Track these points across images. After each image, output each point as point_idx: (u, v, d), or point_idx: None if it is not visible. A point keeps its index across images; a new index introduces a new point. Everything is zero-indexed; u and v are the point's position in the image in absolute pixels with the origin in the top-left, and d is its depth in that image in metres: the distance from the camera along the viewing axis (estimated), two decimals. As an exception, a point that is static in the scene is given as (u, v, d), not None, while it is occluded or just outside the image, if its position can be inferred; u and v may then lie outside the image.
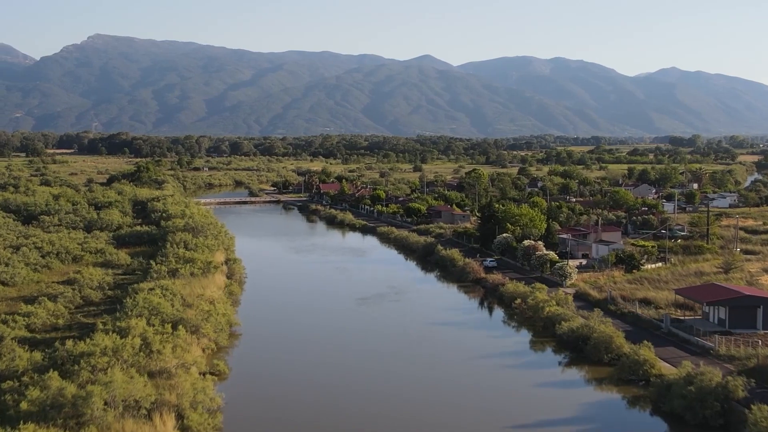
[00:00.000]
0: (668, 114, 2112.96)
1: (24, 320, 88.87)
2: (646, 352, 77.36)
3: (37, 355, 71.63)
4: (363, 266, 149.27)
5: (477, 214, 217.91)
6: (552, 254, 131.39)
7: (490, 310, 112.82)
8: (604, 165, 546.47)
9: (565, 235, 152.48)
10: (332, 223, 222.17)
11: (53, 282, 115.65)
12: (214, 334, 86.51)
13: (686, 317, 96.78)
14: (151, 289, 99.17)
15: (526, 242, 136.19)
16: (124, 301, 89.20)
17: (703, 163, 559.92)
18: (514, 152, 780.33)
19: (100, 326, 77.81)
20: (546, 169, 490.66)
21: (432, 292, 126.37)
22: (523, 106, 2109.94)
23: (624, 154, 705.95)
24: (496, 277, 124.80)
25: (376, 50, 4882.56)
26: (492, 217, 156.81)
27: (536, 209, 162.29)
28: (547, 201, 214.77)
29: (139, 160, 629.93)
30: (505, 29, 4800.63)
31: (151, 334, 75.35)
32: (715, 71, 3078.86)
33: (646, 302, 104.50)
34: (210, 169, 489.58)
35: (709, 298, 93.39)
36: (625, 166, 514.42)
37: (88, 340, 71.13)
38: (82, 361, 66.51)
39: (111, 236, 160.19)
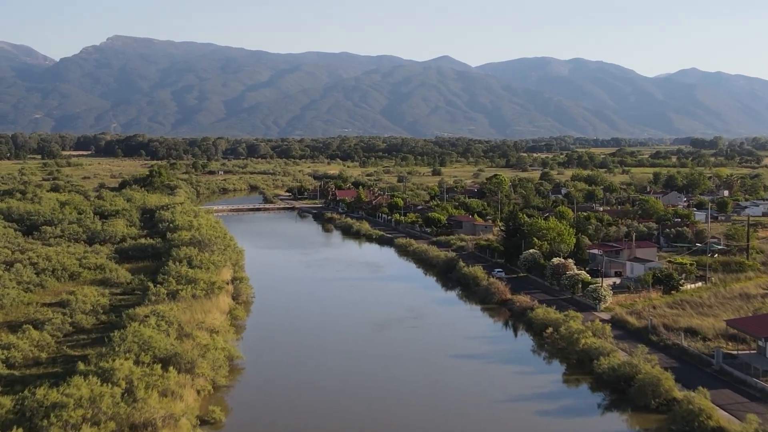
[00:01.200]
0: (688, 115, 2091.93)
1: (3, 353, 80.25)
2: (702, 400, 67.43)
3: (7, 402, 62.65)
4: (380, 284, 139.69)
5: (500, 224, 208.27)
6: (584, 274, 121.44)
7: (518, 337, 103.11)
8: (627, 168, 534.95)
9: (595, 251, 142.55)
10: (348, 232, 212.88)
11: (44, 304, 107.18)
12: (212, 372, 77.32)
13: (739, 351, 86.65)
14: (145, 317, 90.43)
15: (556, 260, 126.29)
16: (113, 334, 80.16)
17: (728, 166, 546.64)
18: (534, 155, 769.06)
19: (81, 367, 68.74)
20: (568, 173, 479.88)
21: (454, 315, 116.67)
22: (541, 107, 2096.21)
23: (646, 156, 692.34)
24: (523, 299, 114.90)
25: (395, 51, 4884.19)
26: (517, 230, 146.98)
27: (564, 222, 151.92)
28: (573, 210, 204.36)
29: (154, 162, 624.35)
30: (523, 30, 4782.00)
31: (137, 376, 66.37)
32: (735, 72, 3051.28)
33: (691, 332, 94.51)
34: (225, 172, 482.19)
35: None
36: (649, 170, 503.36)
37: (62, 388, 62.13)
38: (53, 414, 57.68)
39: (113, 249, 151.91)
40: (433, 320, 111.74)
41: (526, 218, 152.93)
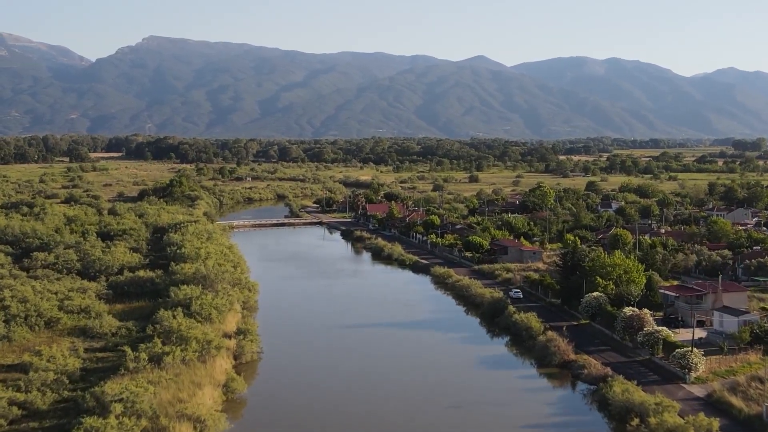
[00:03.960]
0: (727, 115, 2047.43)
1: None
2: None
3: None
4: (413, 333, 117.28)
5: (548, 247, 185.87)
6: (665, 331, 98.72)
7: (591, 423, 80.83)
8: (673, 174, 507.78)
9: (671, 293, 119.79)
10: (379, 256, 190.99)
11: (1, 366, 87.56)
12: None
13: None
14: (118, 399, 70.19)
15: (628, 310, 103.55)
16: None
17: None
18: (573, 158, 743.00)
19: None
20: (613, 180, 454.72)
21: (503, 384, 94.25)
22: (577, 107, 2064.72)
23: (691, 161, 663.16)
24: (594, 365, 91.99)
25: (429, 51, 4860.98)
26: (576, 267, 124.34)
27: (631, 257, 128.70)
28: (633, 233, 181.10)
29: (183, 166, 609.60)
30: (559, 29, 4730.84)
31: None
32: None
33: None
34: (253, 179, 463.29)
35: None
36: (697, 177, 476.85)
37: None
38: None
39: (107, 284, 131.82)
40: (477, 392, 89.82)
41: (586, 252, 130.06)
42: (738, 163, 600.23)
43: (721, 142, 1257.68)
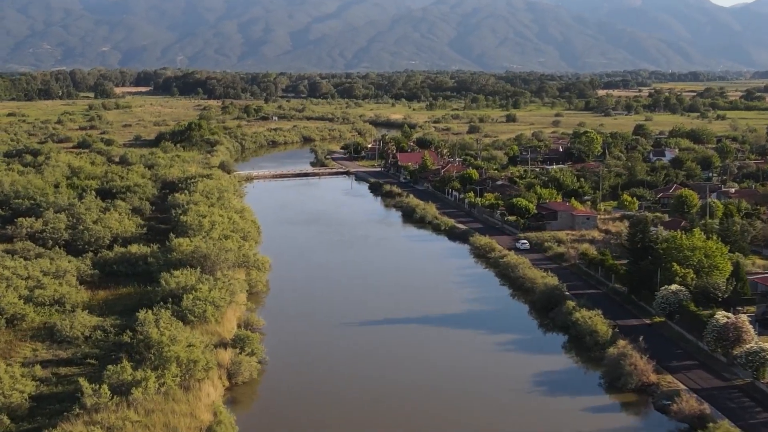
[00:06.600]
0: (767, 47, 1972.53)
1: None
2: None
3: None
4: (449, 333, 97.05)
5: (602, 208, 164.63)
6: (772, 348, 78.01)
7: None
8: (721, 113, 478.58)
9: (764, 284, 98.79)
10: (410, 217, 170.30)
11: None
12: None
13: None
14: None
15: (721, 316, 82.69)
16: None
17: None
18: (613, 93, 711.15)
19: None
20: (658, 119, 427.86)
21: (564, 415, 74.61)
22: (613, 39, 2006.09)
23: (737, 97, 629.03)
24: (686, 400, 71.09)
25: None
26: (647, 249, 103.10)
27: (714, 237, 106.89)
28: (699, 193, 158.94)
29: (209, 102, 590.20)
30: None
31: None
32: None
33: None
34: (280, 117, 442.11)
35: None
36: (747, 115, 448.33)
37: None
38: None
39: (94, 261, 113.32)
40: (528, 419, 70.55)
41: (661, 232, 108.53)
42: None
43: (762, 75, 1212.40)
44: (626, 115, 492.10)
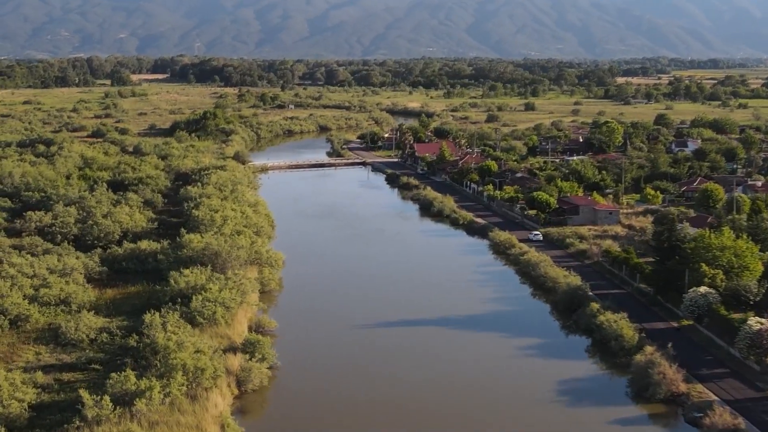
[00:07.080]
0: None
1: None
2: None
3: None
4: (468, 335, 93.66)
5: (624, 202, 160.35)
6: (809, 357, 74.10)
7: None
8: (743, 102, 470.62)
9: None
10: (428, 210, 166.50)
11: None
12: None
13: None
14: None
15: (754, 322, 78.77)
16: None
17: None
18: (632, 80, 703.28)
19: None
20: (679, 108, 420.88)
21: (589, 418, 71.00)
22: (632, 25, 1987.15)
23: (759, 85, 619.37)
24: (720, 413, 67.15)
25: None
26: (674, 248, 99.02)
27: (744, 237, 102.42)
28: (725, 187, 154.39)
29: (226, 90, 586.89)
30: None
31: None
32: None
33: None
34: (296, 106, 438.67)
35: None
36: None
37: None
38: None
39: (102, 258, 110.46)
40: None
41: (688, 230, 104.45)
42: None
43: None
44: (646, 103, 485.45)
